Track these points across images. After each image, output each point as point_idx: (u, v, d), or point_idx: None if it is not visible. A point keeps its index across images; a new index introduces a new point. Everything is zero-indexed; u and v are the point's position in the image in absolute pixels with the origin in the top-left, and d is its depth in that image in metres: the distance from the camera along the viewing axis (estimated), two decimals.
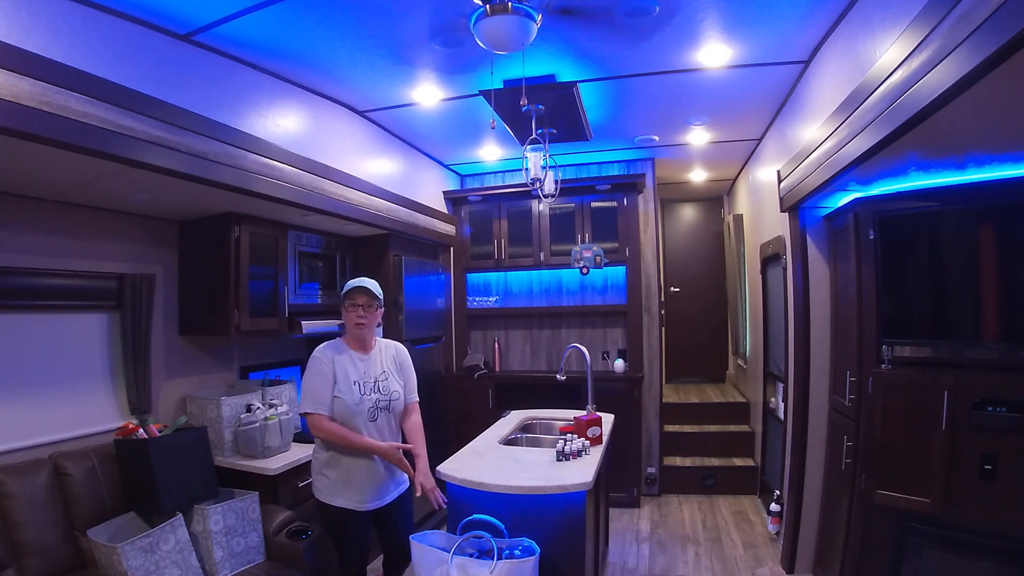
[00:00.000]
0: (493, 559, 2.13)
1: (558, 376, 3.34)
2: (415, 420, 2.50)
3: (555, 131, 3.52)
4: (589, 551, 2.51)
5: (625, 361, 4.65)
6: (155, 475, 2.33)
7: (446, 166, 4.99)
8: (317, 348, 2.40)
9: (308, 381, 2.32)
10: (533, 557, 2.18)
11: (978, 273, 2.31)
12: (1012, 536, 2.10)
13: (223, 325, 2.86)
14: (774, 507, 3.63)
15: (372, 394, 2.36)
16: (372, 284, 2.44)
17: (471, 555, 2.21)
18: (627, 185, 4.61)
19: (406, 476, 2.47)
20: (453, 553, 2.18)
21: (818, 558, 3.12)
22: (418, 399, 2.55)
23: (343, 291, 2.42)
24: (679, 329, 6.42)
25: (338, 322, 3.53)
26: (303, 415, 2.32)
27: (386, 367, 2.46)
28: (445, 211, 4.89)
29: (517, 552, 2.20)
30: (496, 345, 5.03)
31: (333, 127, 3.31)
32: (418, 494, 2.35)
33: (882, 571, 2.47)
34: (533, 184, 3.15)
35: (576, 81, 3.04)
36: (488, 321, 5.12)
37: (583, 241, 4.67)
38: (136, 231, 2.80)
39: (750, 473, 4.65)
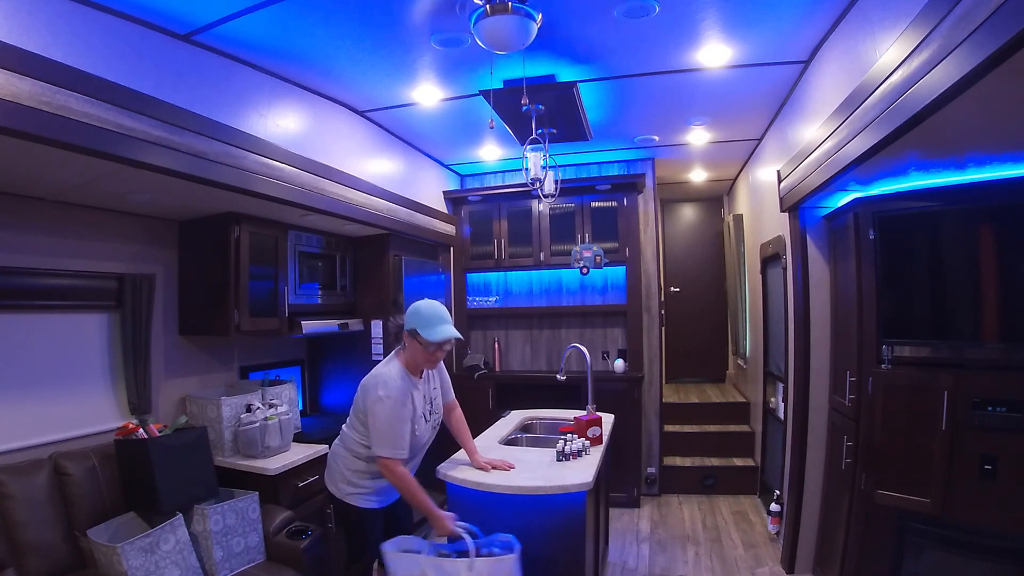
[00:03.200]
0: (471, 556, 2.07)
1: (558, 376, 3.34)
2: (459, 415, 2.62)
3: (555, 131, 3.52)
4: (589, 551, 2.51)
5: (625, 361, 4.65)
6: (155, 475, 2.33)
7: (446, 166, 4.99)
8: (388, 383, 2.18)
9: (390, 423, 2.15)
10: (513, 554, 2.11)
11: (978, 273, 2.31)
12: (1012, 536, 2.10)
13: (223, 325, 2.86)
14: (774, 507, 3.63)
15: (432, 416, 2.41)
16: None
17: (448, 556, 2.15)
18: (627, 185, 4.61)
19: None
20: (429, 553, 2.12)
21: (818, 558, 3.12)
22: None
23: (436, 335, 2.19)
24: (679, 329, 6.42)
25: (338, 322, 3.54)
26: (379, 456, 2.18)
27: (433, 381, 2.45)
28: (445, 211, 4.89)
29: (496, 550, 2.14)
30: (496, 345, 5.03)
31: (333, 127, 3.31)
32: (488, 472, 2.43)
33: (882, 571, 2.47)
34: (533, 184, 3.15)
35: (576, 81, 3.04)
36: (488, 321, 5.12)
37: (583, 241, 4.67)
38: (136, 231, 2.79)
39: (750, 473, 4.65)
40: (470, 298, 5.09)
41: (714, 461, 4.80)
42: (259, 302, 3.01)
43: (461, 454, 2.65)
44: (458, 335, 2.28)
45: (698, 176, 5.58)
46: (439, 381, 2.50)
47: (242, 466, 2.75)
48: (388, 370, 2.25)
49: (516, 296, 5.05)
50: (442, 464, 2.53)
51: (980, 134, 1.90)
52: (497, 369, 4.96)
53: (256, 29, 2.40)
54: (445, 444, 2.65)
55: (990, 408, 2.14)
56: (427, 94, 3.26)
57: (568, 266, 4.62)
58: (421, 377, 2.35)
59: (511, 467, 2.46)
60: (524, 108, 2.90)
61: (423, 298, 2.35)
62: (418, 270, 4.14)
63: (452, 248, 4.98)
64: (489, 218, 4.92)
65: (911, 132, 1.75)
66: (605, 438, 2.94)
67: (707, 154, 4.72)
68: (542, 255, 4.77)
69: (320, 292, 3.56)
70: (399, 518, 2.51)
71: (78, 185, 2.24)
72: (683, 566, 3.46)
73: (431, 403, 2.40)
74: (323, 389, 3.96)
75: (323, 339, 3.83)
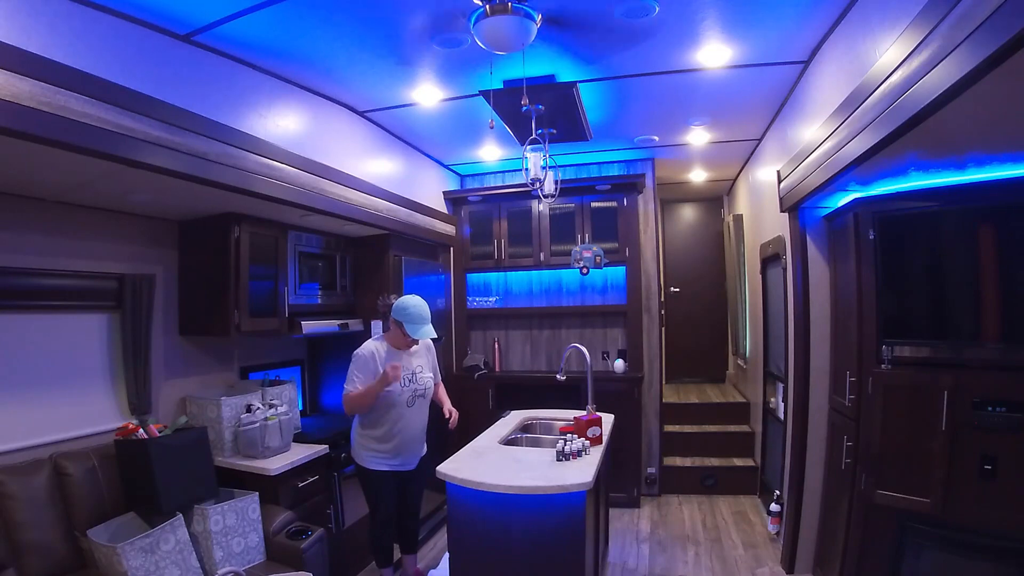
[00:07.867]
0: None
1: (558, 376, 3.34)
2: (441, 388, 3.21)
3: (555, 131, 3.52)
4: (589, 551, 2.51)
5: (625, 361, 4.65)
6: (155, 475, 2.33)
7: (446, 166, 4.99)
8: (363, 346, 2.85)
9: (354, 370, 2.77)
10: None
11: (978, 273, 2.31)
12: (1012, 536, 2.10)
13: (223, 325, 2.86)
14: (774, 507, 3.63)
15: (411, 384, 2.87)
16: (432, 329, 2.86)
17: None
18: (627, 185, 4.61)
19: (424, 445, 3.04)
20: None
21: (818, 558, 3.12)
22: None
23: (418, 334, 2.78)
24: (679, 329, 6.42)
25: (338, 322, 3.55)
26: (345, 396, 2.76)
27: (421, 362, 2.99)
28: (445, 211, 4.89)
29: None
30: (496, 345, 5.03)
31: (333, 127, 3.31)
32: (449, 418, 3.07)
33: (882, 571, 2.47)
34: (533, 184, 3.15)
35: (576, 81, 3.04)
36: (488, 321, 5.12)
37: (583, 241, 4.66)
38: (136, 231, 2.80)
39: (750, 473, 4.65)
40: (470, 298, 5.09)
41: (714, 461, 4.80)
42: (259, 302, 3.01)
43: (460, 454, 2.66)
44: (434, 335, 2.91)
45: (698, 176, 5.58)
46: (427, 362, 3.04)
47: (242, 466, 2.75)
48: (369, 341, 2.90)
49: (516, 296, 5.05)
50: (442, 464, 2.53)
51: (980, 134, 1.90)
52: (497, 369, 4.96)
53: (256, 29, 2.40)
54: (445, 444, 2.65)
55: (990, 408, 2.14)
56: (427, 94, 3.26)
57: (568, 266, 4.62)
58: (406, 350, 2.93)
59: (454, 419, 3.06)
60: (524, 108, 2.90)
61: (416, 296, 2.83)
62: (418, 270, 4.14)
63: (452, 248, 4.98)
64: (489, 218, 4.92)
65: (911, 132, 1.75)
66: (605, 438, 2.94)
67: (707, 154, 4.72)
68: (542, 255, 4.77)
69: (320, 292, 3.56)
70: (413, 481, 3.00)
71: (78, 185, 2.24)
72: (683, 566, 3.46)
73: (412, 373, 2.90)
74: (323, 389, 3.96)
75: (323, 339, 3.84)
